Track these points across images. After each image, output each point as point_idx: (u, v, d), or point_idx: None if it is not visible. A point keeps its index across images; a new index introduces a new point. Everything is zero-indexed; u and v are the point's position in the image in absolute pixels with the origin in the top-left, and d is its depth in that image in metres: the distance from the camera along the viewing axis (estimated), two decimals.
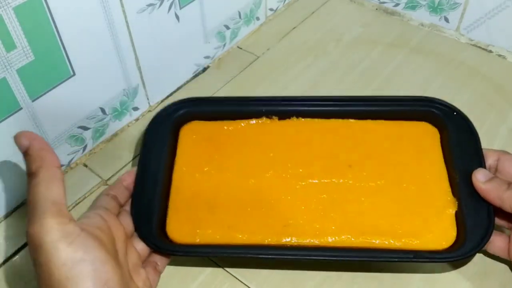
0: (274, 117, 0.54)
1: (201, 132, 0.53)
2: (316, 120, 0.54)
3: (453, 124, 0.51)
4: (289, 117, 0.54)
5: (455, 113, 0.52)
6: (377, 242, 0.45)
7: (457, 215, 0.46)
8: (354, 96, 0.55)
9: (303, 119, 0.54)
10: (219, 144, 0.52)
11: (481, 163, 0.47)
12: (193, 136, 0.53)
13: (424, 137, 0.52)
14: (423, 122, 0.53)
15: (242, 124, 0.54)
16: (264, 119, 0.54)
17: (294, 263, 0.49)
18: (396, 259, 0.45)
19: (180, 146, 0.52)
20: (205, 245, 0.46)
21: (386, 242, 0.45)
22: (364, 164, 0.50)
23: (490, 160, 0.48)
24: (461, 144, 0.50)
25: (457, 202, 0.47)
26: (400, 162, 0.50)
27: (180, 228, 0.47)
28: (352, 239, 0.46)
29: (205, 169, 0.51)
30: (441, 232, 0.46)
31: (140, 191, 0.48)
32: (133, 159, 0.58)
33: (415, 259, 0.44)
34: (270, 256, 0.46)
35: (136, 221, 0.45)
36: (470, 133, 0.50)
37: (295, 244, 0.46)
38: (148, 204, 0.47)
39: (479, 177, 0.45)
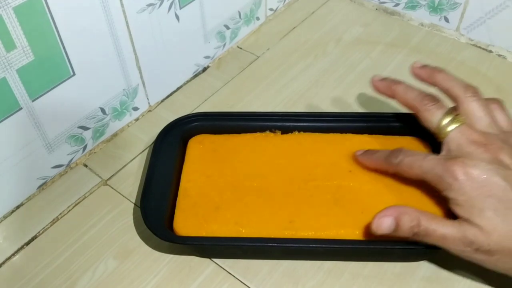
0: (277, 131, 0.56)
1: (208, 143, 0.56)
2: (316, 134, 0.56)
3: None
4: (291, 131, 0.56)
5: None
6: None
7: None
8: (352, 113, 0.59)
9: (304, 133, 0.56)
10: (225, 153, 0.55)
11: None
12: (200, 147, 0.55)
13: (417, 149, 0.54)
14: (415, 137, 0.55)
15: (247, 137, 0.56)
16: (267, 132, 0.56)
17: (299, 255, 0.49)
18: (400, 247, 0.46)
19: (188, 154, 0.55)
20: (212, 238, 0.48)
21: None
22: (364, 170, 0.52)
23: None
24: None
25: None
26: None
27: (187, 224, 0.48)
28: (357, 232, 0.47)
29: (211, 173, 0.53)
30: None
31: (150, 191, 0.50)
32: (133, 159, 0.58)
33: (418, 247, 0.45)
34: (276, 245, 0.47)
35: (145, 218, 0.47)
36: None
37: (300, 237, 0.47)
38: (157, 203, 0.49)
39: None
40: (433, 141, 0.54)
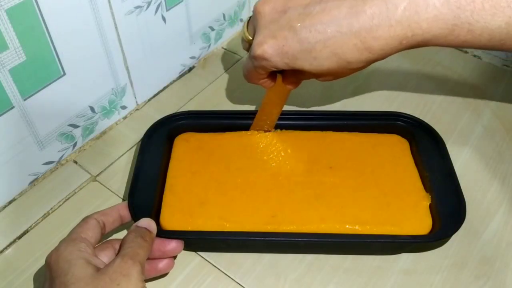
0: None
1: (194, 141, 0.57)
2: (298, 131, 0.58)
3: (420, 133, 0.56)
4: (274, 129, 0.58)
5: (420, 125, 0.57)
6: (360, 229, 0.49)
7: (431, 207, 0.50)
8: (333, 111, 0.61)
9: (287, 131, 0.58)
10: (210, 151, 0.56)
11: (450, 164, 0.53)
12: (186, 144, 0.57)
13: (395, 146, 0.57)
14: (394, 135, 0.57)
15: (231, 135, 0.57)
16: (251, 131, 0.58)
17: (282, 249, 0.51)
18: (378, 241, 0.48)
19: (174, 152, 0.56)
20: (196, 232, 0.49)
21: (368, 229, 0.49)
22: (344, 166, 0.54)
23: None
24: (429, 149, 0.55)
25: (430, 196, 0.51)
26: (376, 166, 0.54)
27: (173, 219, 0.50)
28: (337, 226, 0.49)
29: (197, 170, 0.54)
30: (418, 221, 0.49)
31: (137, 187, 0.51)
32: (121, 155, 0.59)
33: (396, 241, 0.48)
34: (259, 239, 0.48)
35: (133, 213, 0.48)
36: (435, 140, 0.55)
37: (282, 231, 0.49)
38: (144, 199, 0.50)
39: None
40: (411, 139, 0.56)
